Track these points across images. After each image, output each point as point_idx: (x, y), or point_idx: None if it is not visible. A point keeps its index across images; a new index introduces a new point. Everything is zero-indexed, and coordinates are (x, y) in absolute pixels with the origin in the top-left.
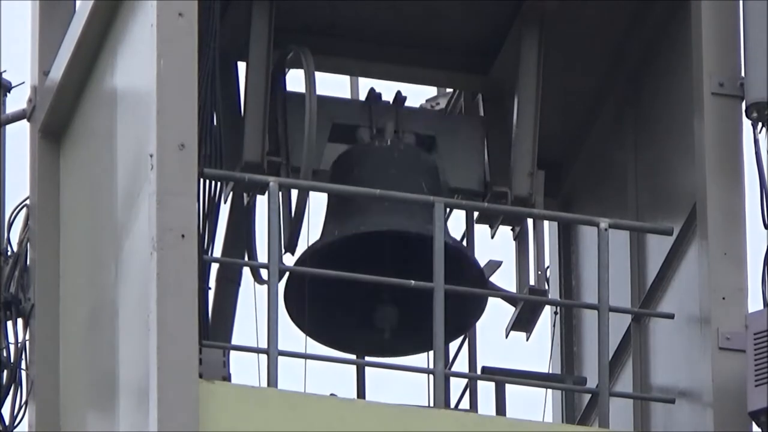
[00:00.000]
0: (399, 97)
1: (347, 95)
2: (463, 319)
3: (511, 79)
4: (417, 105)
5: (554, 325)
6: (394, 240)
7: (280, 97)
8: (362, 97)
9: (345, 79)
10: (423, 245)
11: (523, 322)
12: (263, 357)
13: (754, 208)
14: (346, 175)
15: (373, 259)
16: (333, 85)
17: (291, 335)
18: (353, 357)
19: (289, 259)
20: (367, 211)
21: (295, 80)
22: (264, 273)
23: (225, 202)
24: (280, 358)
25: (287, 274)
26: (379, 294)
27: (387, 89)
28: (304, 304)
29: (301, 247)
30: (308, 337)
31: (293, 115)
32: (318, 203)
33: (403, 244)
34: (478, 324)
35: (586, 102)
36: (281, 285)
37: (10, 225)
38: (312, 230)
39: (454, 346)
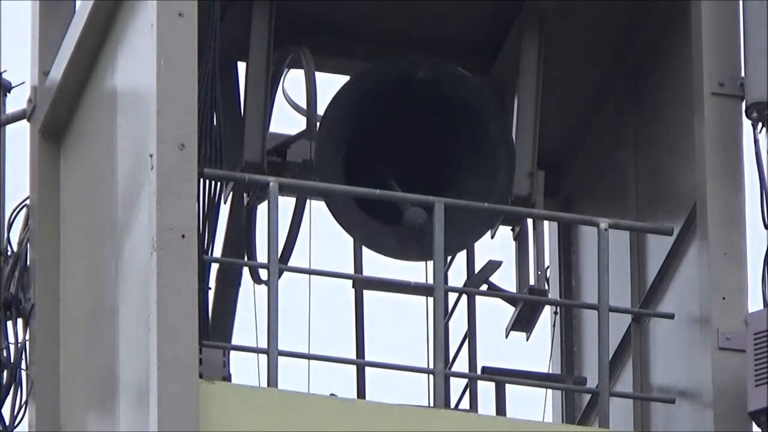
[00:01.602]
0: None
1: None
2: (471, 227)
3: (511, 79)
4: None
5: (554, 325)
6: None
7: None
8: None
9: (345, 79)
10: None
11: (523, 322)
12: (263, 357)
13: (754, 208)
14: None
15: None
16: (333, 85)
17: (291, 335)
18: (353, 357)
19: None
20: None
21: (294, 80)
22: (263, 273)
23: (225, 202)
24: (280, 358)
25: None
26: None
27: None
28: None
29: (302, 248)
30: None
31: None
32: (318, 205)
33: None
34: (478, 324)
35: (586, 102)
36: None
37: (10, 225)
38: (312, 232)
39: (454, 345)
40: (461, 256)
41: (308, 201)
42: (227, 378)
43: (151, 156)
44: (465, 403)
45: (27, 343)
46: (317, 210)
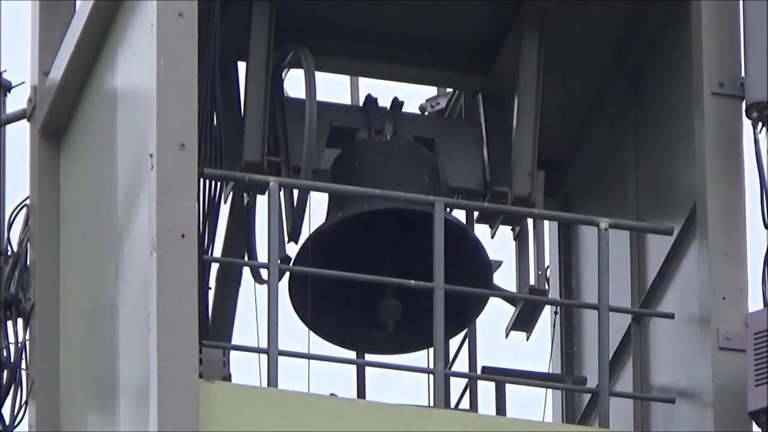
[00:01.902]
0: (396, 103)
1: (347, 95)
2: (464, 314)
3: (511, 79)
4: (417, 105)
5: (554, 325)
6: (398, 221)
7: (278, 101)
8: (360, 101)
9: (345, 79)
10: (427, 224)
11: (523, 322)
12: (263, 357)
13: (754, 208)
14: (348, 170)
15: (376, 240)
16: (333, 85)
17: (291, 335)
18: (353, 357)
19: (292, 249)
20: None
21: (294, 80)
22: (264, 273)
23: (225, 202)
24: (280, 358)
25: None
26: (382, 287)
27: (387, 89)
28: (307, 297)
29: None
30: (311, 332)
31: (292, 120)
32: (318, 204)
33: (407, 224)
34: (478, 324)
35: (586, 102)
36: (284, 279)
37: (10, 225)
38: (312, 228)
39: (454, 346)
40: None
41: (309, 198)
42: (227, 378)
43: (151, 156)
44: (465, 403)
45: (27, 343)
46: (318, 208)
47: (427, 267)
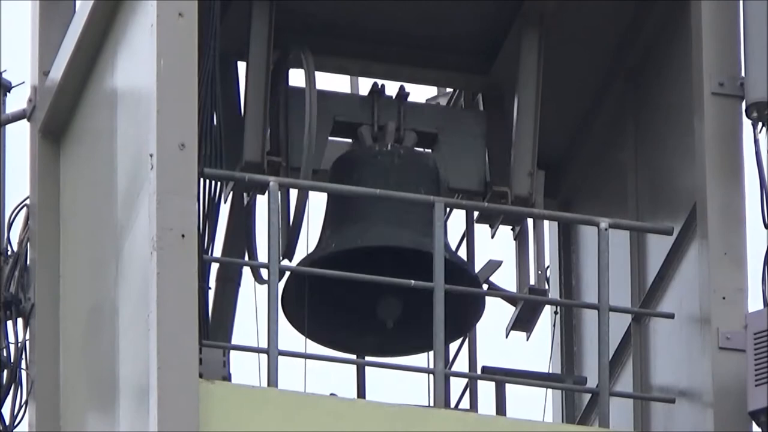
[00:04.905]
0: (402, 93)
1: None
2: (462, 320)
3: (511, 79)
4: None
5: (554, 325)
6: (392, 254)
7: (282, 94)
8: (364, 93)
9: (345, 79)
10: (420, 259)
11: (523, 322)
12: (263, 357)
13: (754, 208)
14: (346, 180)
15: (370, 270)
16: (333, 85)
17: (291, 335)
18: (353, 357)
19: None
20: (365, 222)
21: (295, 80)
22: (264, 273)
23: (225, 202)
24: (280, 358)
25: (285, 277)
26: (380, 293)
27: (387, 89)
28: (303, 306)
29: (300, 248)
30: (308, 339)
31: (295, 112)
32: (317, 204)
33: (401, 257)
34: (478, 324)
35: (586, 102)
36: (280, 287)
37: (10, 225)
38: (311, 231)
39: (454, 346)
40: (461, 255)
41: (308, 197)
42: (227, 378)
43: (151, 156)
44: (465, 403)
45: (27, 343)
46: (317, 206)
47: (423, 303)
